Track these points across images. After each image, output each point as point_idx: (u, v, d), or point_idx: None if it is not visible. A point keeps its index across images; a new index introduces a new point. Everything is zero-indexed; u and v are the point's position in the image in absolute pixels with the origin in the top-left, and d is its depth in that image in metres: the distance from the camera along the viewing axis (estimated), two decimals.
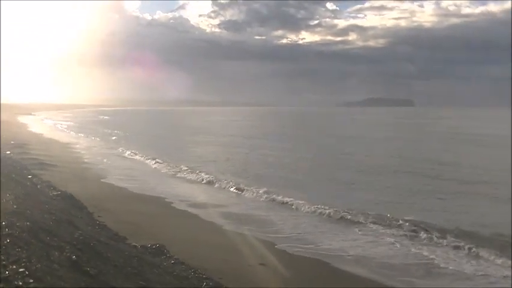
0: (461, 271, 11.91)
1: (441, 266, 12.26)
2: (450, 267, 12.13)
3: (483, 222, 16.97)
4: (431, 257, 12.95)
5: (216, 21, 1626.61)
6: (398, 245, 13.99)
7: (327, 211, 17.77)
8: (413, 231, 15.29)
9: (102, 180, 23.87)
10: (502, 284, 11.18)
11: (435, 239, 14.48)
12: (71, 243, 6.96)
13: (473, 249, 13.40)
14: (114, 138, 54.16)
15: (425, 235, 14.82)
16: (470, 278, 11.57)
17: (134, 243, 10.39)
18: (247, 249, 13.00)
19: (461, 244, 13.83)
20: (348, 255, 13.00)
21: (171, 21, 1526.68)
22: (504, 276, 11.61)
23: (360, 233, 15.41)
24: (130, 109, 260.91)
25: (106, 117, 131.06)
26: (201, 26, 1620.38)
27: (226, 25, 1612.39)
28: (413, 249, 13.61)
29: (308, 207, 18.54)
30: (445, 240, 14.26)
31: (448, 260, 12.73)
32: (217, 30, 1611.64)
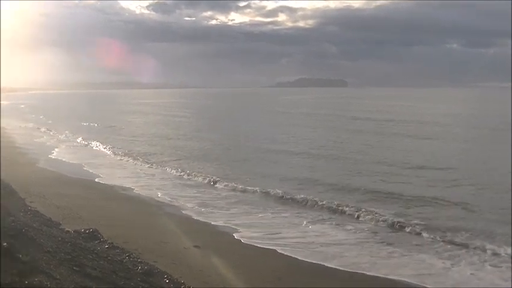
0: None
1: None
2: None
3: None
4: None
5: (145, 3, 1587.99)
6: None
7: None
8: None
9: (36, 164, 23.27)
10: None
11: None
12: (2, 229, 6.95)
13: None
14: None
15: None
16: None
17: (67, 229, 10.40)
18: (182, 231, 13.24)
19: None
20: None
21: (100, 2, 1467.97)
22: None
23: None
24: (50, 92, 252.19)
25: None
26: (130, 8, 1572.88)
27: (155, 7, 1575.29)
28: None
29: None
30: None
31: None
32: (146, 11, 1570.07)
